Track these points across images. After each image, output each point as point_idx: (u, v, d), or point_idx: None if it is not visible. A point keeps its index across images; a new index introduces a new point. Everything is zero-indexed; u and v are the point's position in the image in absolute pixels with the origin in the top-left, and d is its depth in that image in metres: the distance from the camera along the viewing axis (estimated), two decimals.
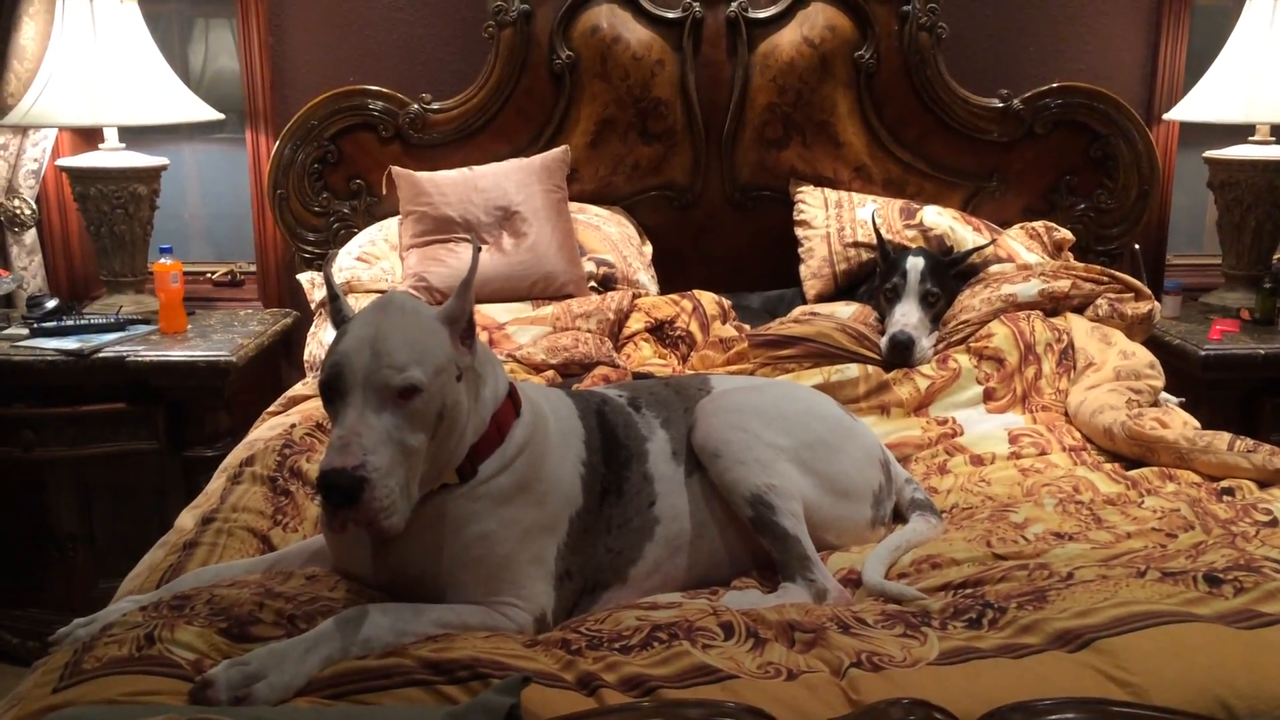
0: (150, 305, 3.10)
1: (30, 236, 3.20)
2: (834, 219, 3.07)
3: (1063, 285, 2.72)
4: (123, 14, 2.98)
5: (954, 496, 2.14)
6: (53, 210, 3.30)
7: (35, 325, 2.91)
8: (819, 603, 1.66)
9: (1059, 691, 1.30)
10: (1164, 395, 2.53)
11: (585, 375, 2.54)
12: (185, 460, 2.85)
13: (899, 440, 2.35)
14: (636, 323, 2.81)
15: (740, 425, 1.81)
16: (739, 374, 2.48)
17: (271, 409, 2.54)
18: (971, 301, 2.72)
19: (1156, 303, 2.76)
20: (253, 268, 3.43)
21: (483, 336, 2.72)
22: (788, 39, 3.10)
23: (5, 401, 2.80)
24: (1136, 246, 3.31)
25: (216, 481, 2.10)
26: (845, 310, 2.80)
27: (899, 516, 2.00)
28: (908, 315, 2.66)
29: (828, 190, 3.16)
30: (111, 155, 3.07)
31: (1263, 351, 2.90)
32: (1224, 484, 2.05)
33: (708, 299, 2.89)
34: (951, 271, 2.81)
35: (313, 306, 3.01)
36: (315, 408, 2.36)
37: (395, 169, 3.04)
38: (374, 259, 2.98)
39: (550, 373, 2.57)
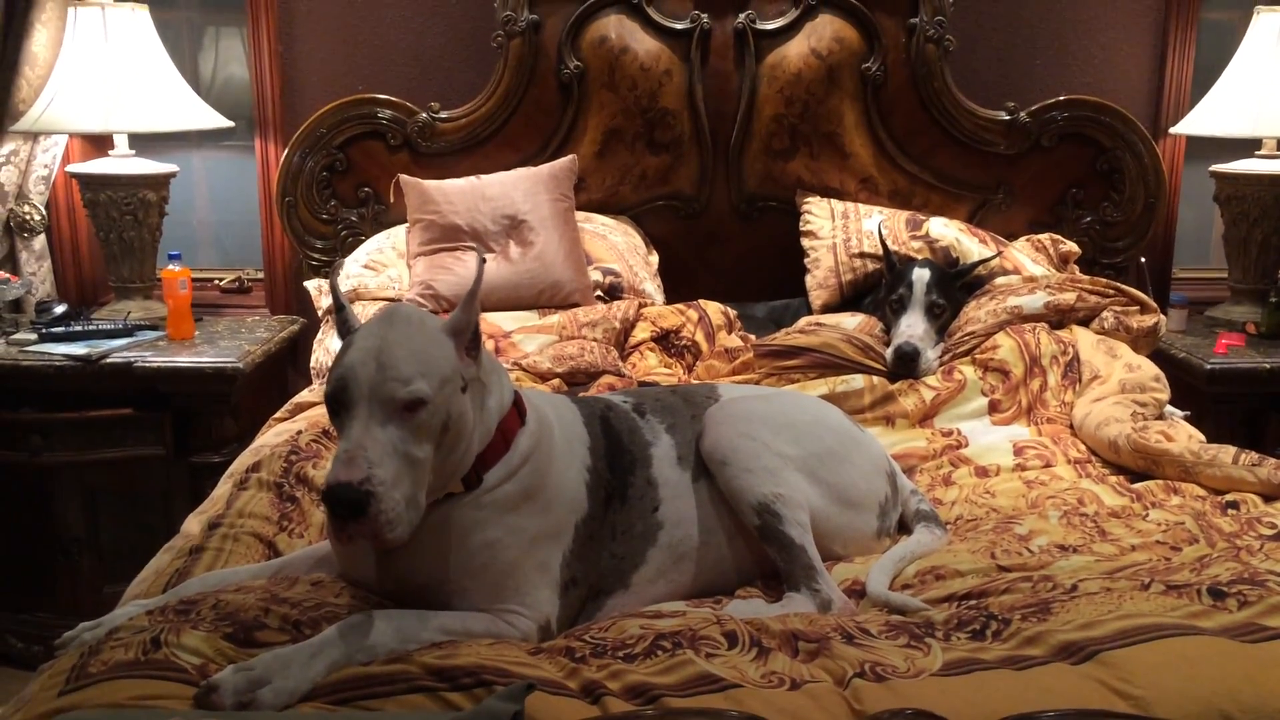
0: (158, 311, 3.11)
1: (40, 242, 3.22)
2: (840, 230, 3.07)
3: (1068, 298, 2.72)
4: (134, 21, 3.00)
5: (959, 508, 2.14)
6: (62, 216, 3.31)
7: (43, 330, 2.92)
8: (823, 613, 1.66)
9: (1062, 703, 1.30)
10: (1169, 409, 2.53)
11: (591, 384, 2.55)
12: (192, 466, 2.86)
13: (904, 451, 2.35)
14: (642, 332, 2.82)
15: (749, 433, 1.82)
16: (745, 384, 2.48)
17: (278, 415, 2.55)
18: (977, 313, 2.73)
19: (1162, 316, 2.76)
20: (260, 274, 3.44)
21: (489, 345, 2.72)
22: (795, 50, 3.11)
23: (13, 406, 2.81)
24: (1142, 260, 3.32)
25: (223, 487, 2.11)
26: (851, 321, 2.80)
27: (904, 527, 2.00)
28: (913, 326, 2.66)
29: (834, 201, 3.17)
30: (121, 162, 3.08)
31: (1268, 365, 2.90)
32: (1229, 498, 2.05)
33: (713, 309, 2.89)
34: (957, 283, 2.82)
35: (320, 314, 3.02)
36: (321, 414, 2.36)
37: (403, 177, 3.05)
38: (381, 267, 2.99)
39: (556, 381, 2.57)
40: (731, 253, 3.26)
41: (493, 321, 2.82)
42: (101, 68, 2.94)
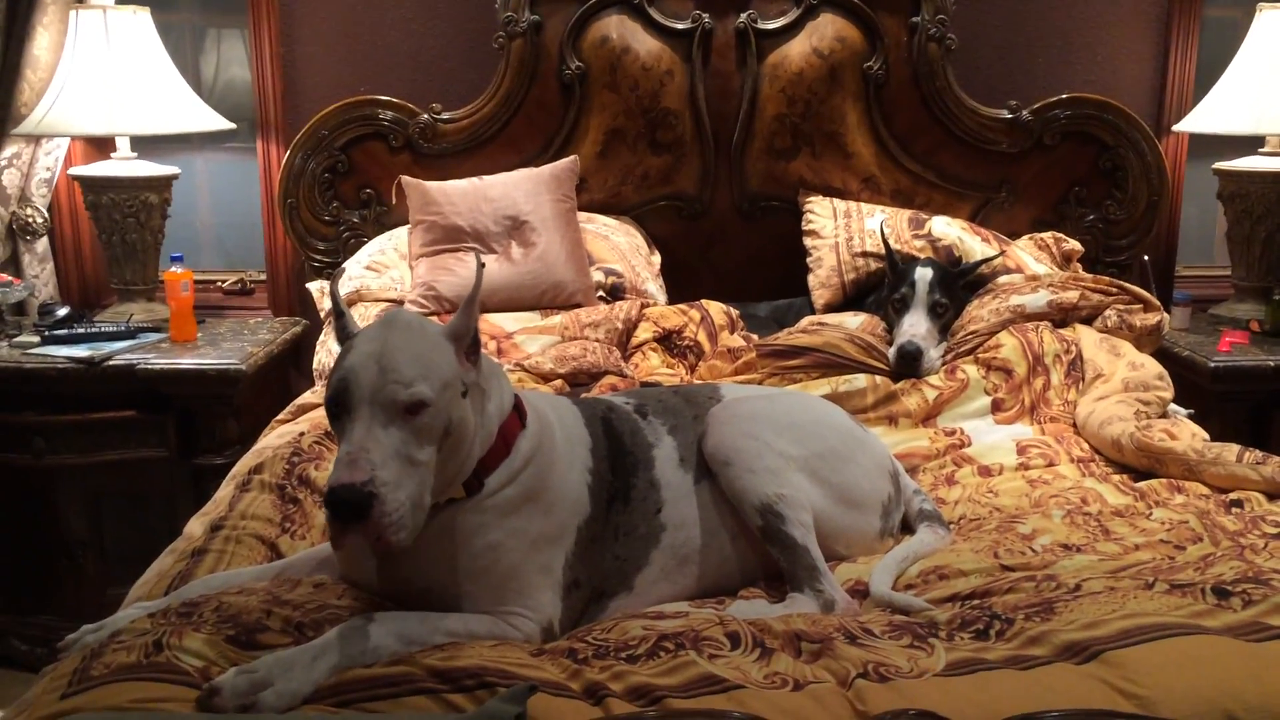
0: (161, 313, 3.11)
1: (42, 245, 3.22)
2: (842, 229, 3.07)
3: (1071, 296, 2.72)
4: (135, 24, 3.00)
5: (962, 507, 2.13)
6: (64, 219, 3.32)
7: (46, 333, 2.92)
8: (826, 613, 1.65)
9: (1066, 703, 1.30)
10: (1173, 407, 2.52)
11: (593, 384, 2.55)
12: (195, 468, 2.86)
13: (907, 451, 2.34)
14: (644, 332, 2.82)
15: (751, 434, 1.82)
16: (747, 384, 2.48)
17: (281, 417, 2.55)
18: (980, 312, 2.72)
19: (1165, 314, 2.76)
20: (263, 276, 3.44)
21: (491, 346, 2.73)
22: (797, 50, 3.10)
23: (16, 409, 2.81)
24: (1146, 258, 3.31)
25: (225, 489, 2.11)
26: (853, 320, 2.80)
27: (907, 527, 2.00)
28: (916, 326, 2.66)
29: (836, 200, 3.17)
30: (123, 164, 3.08)
31: (1272, 363, 2.89)
32: (1233, 496, 2.05)
33: (716, 309, 2.89)
34: (960, 282, 2.81)
35: (322, 315, 3.02)
36: (324, 416, 2.35)
37: (405, 178, 3.05)
38: (383, 268, 2.99)
39: (558, 382, 2.57)
40: (734, 253, 3.26)
41: (495, 322, 2.82)
42: (103, 70, 2.94)
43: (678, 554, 1.77)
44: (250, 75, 3.30)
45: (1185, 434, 2.28)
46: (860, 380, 2.49)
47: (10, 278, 3.08)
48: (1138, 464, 2.24)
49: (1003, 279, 2.87)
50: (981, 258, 2.91)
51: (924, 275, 2.72)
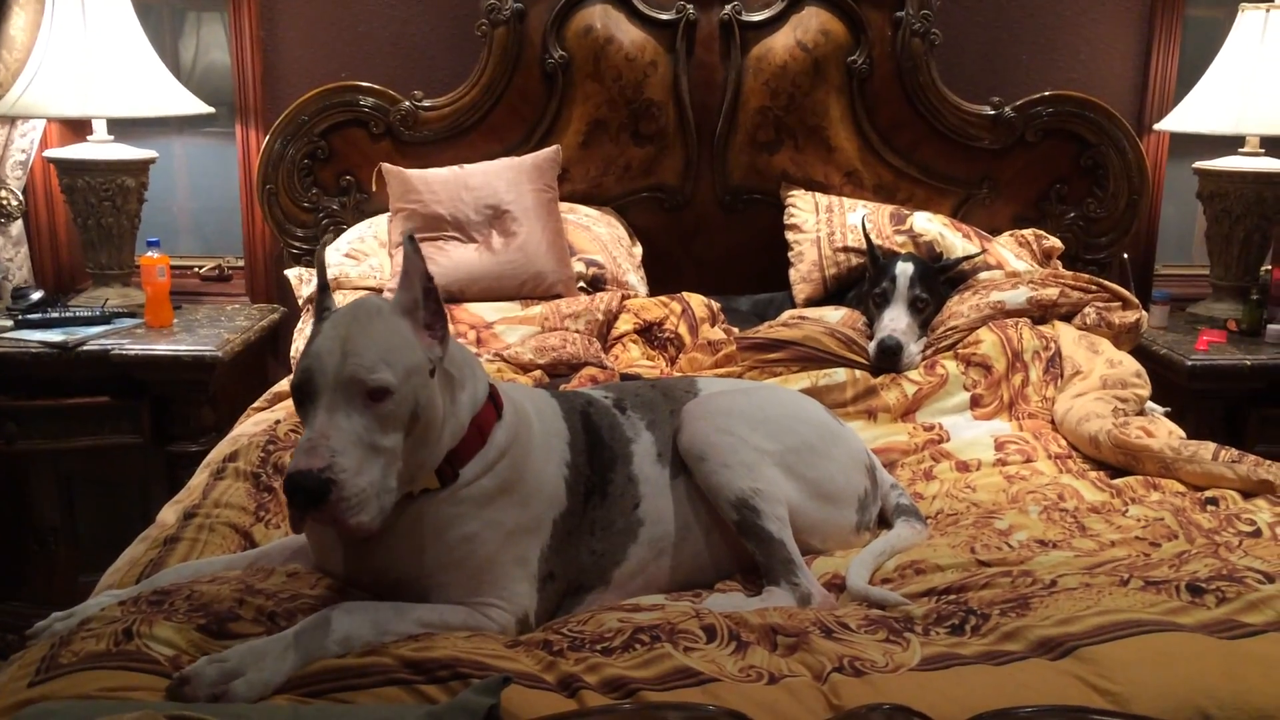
0: (136, 299, 3.08)
1: (17, 228, 3.18)
2: (824, 223, 3.07)
3: (1051, 293, 2.72)
4: (113, 5, 2.96)
5: (939, 502, 2.14)
6: (40, 202, 3.27)
7: (20, 317, 2.89)
8: (803, 607, 1.65)
9: (1040, 699, 1.30)
10: (1150, 405, 2.53)
11: (573, 376, 2.54)
12: (169, 455, 2.84)
13: (885, 445, 2.35)
14: (625, 324, 2.81)
15: (726, 429, 1.81)
16: (727, 376, 2.47)
17: (257, 404, 2.53)
18: (960, 308, 2.73)
19: (1144, 312, 2.77)
20: (241, 263, 3.41)
21: (470, 335, 2.72)
22: (781, 43, 3.10)
23: None
24: (1125, 256, 3.32)
25: (199, 477, 2.09)
26: (834, 315, 2.80)
27: (884, 522, 2.00)
28: (896, 320, 2.66)
29: (818, 194, 3.16)
30: (100, 147, 3.05)
31: (1249, 362, 2.91)
32: (1208, 494, 2.06)
33: (697, 301, 2.89)
34: (941, 278, 2.82)
35: (300, 302, 3.00)
36: None
37: (385, 166, 3.02)
38: (363, 256, 2.96)
39: (538, 373, 2.56)
40: (715, 245, 3.25)
41: (474, 312, 2.80)
42: (80, 51, 2.90)
43: (655, 548, 1.76)
44: (230, 59, 3.27)
45: (1162, 432, 2.29)
46: (840, 375, 2.49)
47: None
48: (1114, 461, 2.25)
49: (983, 275, 2.88)
50: (963, 255, 2.91)
51: (905, 270, 2.72)
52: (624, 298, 2.90)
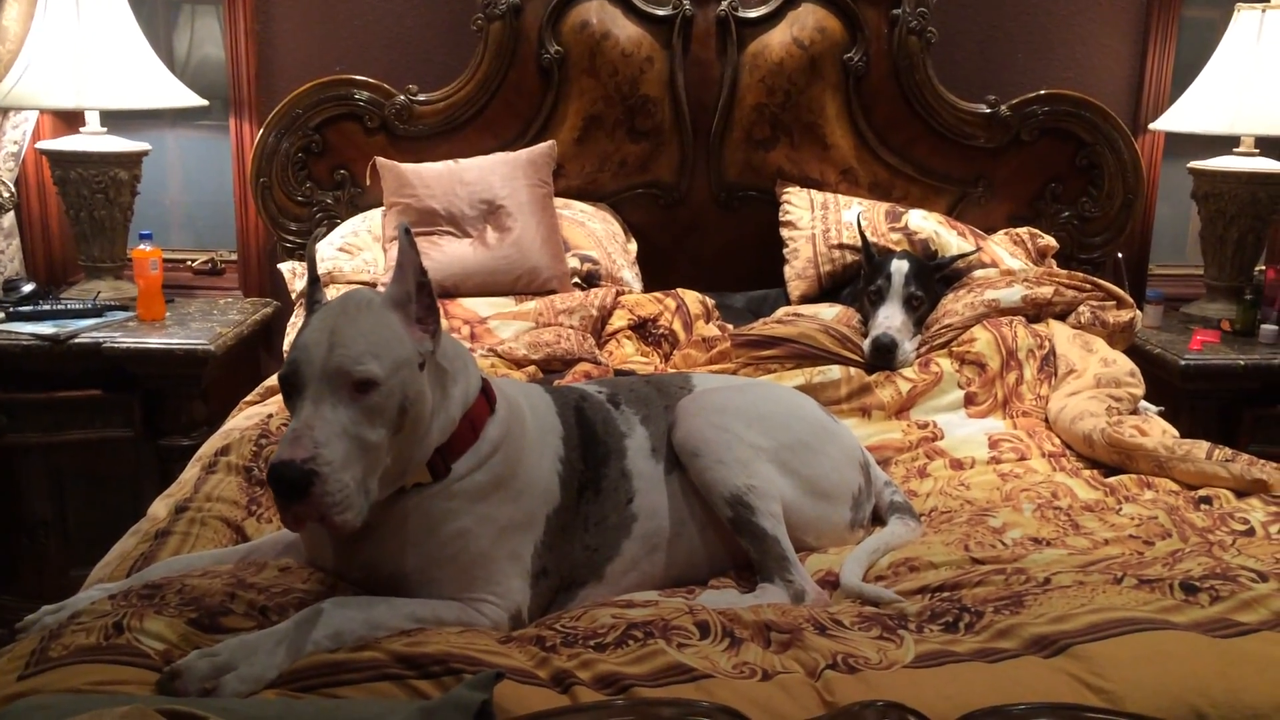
0: (129, 292, 3.06)
1: (8, 220, 3.16)
2: (819, 220, 3.06)
3: (1045, 291, 2.72)
4: None
5: (933, 500, 2.14)
6: (32, 194, 3.26)
7: (11, 309, 2.87)
8: (796, 604, 1.65)
9: (1034, 696, 1.29)
10: (1143, 404, 2.54)
11: (567, 371, 2.53)
12: (161, 448, 2.83)
13: (879, 443, 2.34)
14: (619, 320, 2.80)
15: (721, 425, 1.80)
16: (721, 373, 2.47)
17: (249, 398, 2.52)
18: (954, 306, 2.72)
19: (1138, 311, 2.77)
20: (234, 256, 3.40)
21: (464, 330, 2.71)
22: (777, 40, 3.09)
23: None
24: (1120, 255, 3.33)
25: (191, 470, 2.08)
26: (829, 312, 2.79)
27: (878, 519, 2.00)
28: (891, 318, 2.66)
29: (814, 192, 3.16)
30: (93, 139, 3.04)
31: (1242, 362, 2.92)
32: (1202, 492, 2.06)
33: (691, 298, 2.88)
34: (936, 276, 2.81)
35: (293, 296, 2.99)
36: None
37: (380, 160, 3.02)
38: (356, 250, 2.96)
39: (531, 368, 2.56)
40: (711, 242, 3.25)
41: (469, 307, 2.80)
42: (73, 43, 2.89)
43: (648, 544, 1.76)
44: (224, 52, 3.25)
45: (1156, 431, 2.29)
46: (834, 372, 2.49)
47: None
48: (1108, 459, 2.25)
49: (978, 273, 2.88)
50: (958, 253, 2.91)
51: (900, 268, 2.72)
52: (618, 294, 2.89)
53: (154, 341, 2.78)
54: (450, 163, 3.02)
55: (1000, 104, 3.20)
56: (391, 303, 1.51)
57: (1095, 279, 2.84)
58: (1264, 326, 3.07)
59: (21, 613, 1.60)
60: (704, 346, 2.68)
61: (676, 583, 1.78)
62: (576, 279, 2.95)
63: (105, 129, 3.07)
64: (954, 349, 2.60)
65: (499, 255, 2.89)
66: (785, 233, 3.10)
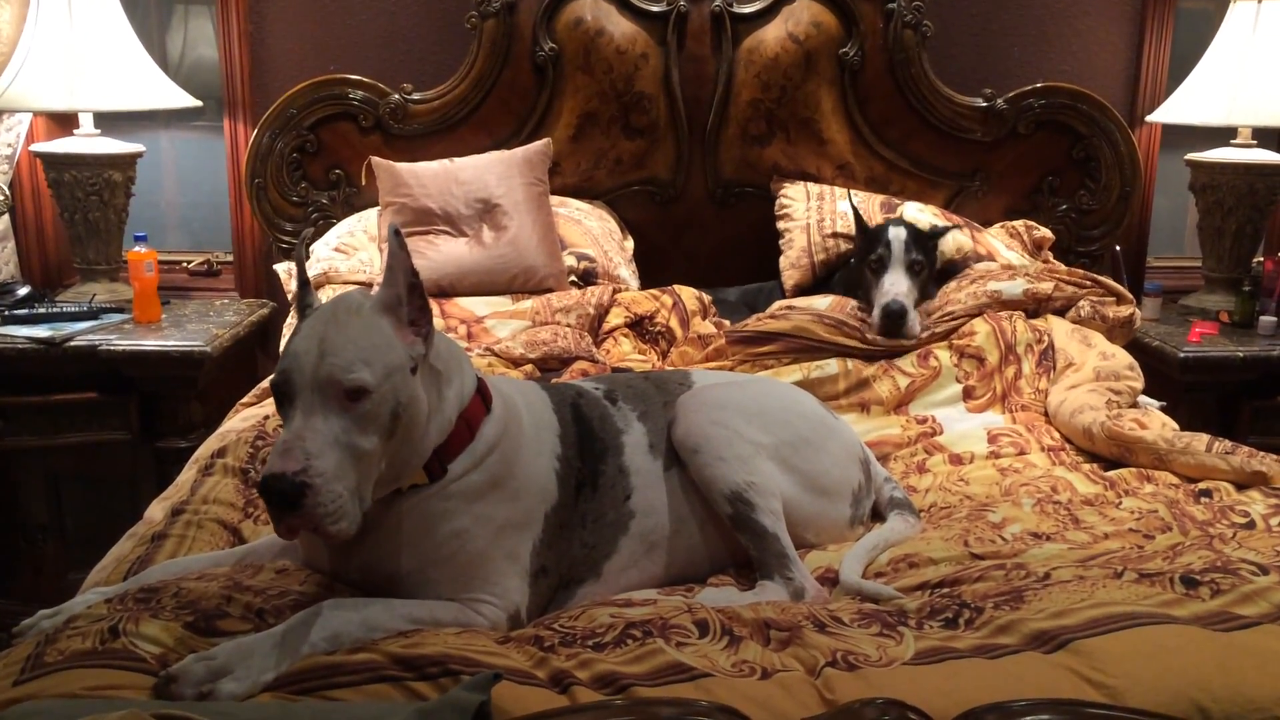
0: (124, 294, 3.06)
1: (3, 223, 3.15)
2: (815, 210, 3.06)
3: (1046, 287, 2.72)
4: None
5: (932, 496, 2.13)
6: (26, 196, 3.25)
7: (6, 312, 2.86)
8: (796, 601, 1.64)
9: (1035, 692, 1.29)
10: (1143, 399, 2.53)
11: (564, 370, 2.53)
12: (158, 451, 2.81)
13: (878, 439, 2.34)
14: (616, 318, 2.80)
15: (721, 421, 1.80)
16: (718, 370, 2.46)
17: (245, 400, 2.51)
18: (957, 295, 2.72)
19: (1138, 308, 2.77)
20: (230, 257, 3.39)
21: (461, 330, 2.70)
22: (772, 35, 3.08)
23: None
24: (1118, 248, 3.32)
25: (187, 473, 2.08)
26: (821, 302, 2.78)
27: (877, 515, 1.99)
28: (897, 284, 2.65)
29: (810, 183, 3.15)
30: (86, 141, 3.03)
31: (1241, 354, 2.91)
32: (1202, 486, 2.05)
33: (688, 294, 2.87)
34: (931, 243, 2.81)
35: (289, 297, 2.97)
36: None
37: (375, 159, 3.01)
38: (352, 250, 2.95)
39: (529, 367, 2.55)
40: (707, 239, 3.24)
41: (465, 306, 2.79)
42: (66, 45, 2.88)
43: (646, 541, 1.75)
44: (217, 52, 3.24)
45: (1155, 424, 2.28)
46: (832, 367, 2.48)
47: None
48: (1108, 453, 2.24)
49: (979, 266, 2.88)
50: (949, 224, 2.91)
51: (899, 234, 2.72)
52: (615, 291, 2.88)
53: (150, 344, 2.77)
54: (445, 161, 3.01)
55: (996, 97, 3.20)
56: (382, 307, 1.50)
57: (1095, 275, 2.84)
58: (1262, 318, 3.07)
59: (20, 617, 1.59)
60: (699, 344, 2.67)
61: (676, 580, 1.77)
62: (573, 277, 2.94)
63: (99, 131, 3.06)
64: (954, 342, 2.59)
65: (495, 254, 2.88)
66: (781, 224, 3.09)
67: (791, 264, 3.03)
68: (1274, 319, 3.05)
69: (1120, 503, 2.01)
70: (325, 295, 2.74)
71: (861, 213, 2.89)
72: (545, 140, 3.08)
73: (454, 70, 3.12)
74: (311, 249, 2.97)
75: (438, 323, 2.63)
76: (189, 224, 3.48)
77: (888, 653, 1.39)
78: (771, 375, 2.45)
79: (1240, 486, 2.03)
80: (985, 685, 1.31)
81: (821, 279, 3.00)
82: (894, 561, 1.78)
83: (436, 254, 2.86)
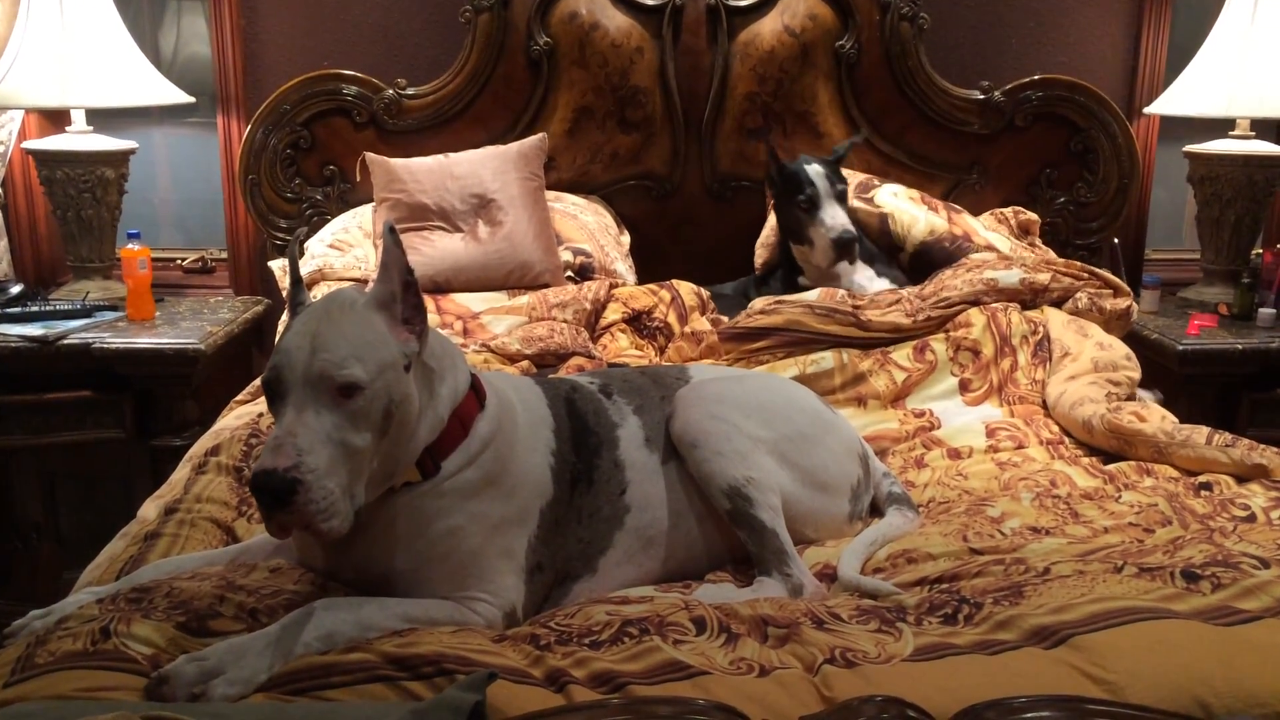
0: (118, 292, 3.04)
1: None
2: None
3: (1043, 278, 2.71)
4: None
5: (931, 490, 2.12)
6: (19, 194, 3.23)
7: None
8: (794, 597, 1.63)
9: (1035, 689, 1.28)
10: (1141, 392, 2.52)
11: (560, 366, 2.51)
12: (153, 449, 2.80)
13: (876, 433, 2.33)
14: (614, 313, 2.78)
15: (719, 416, 1.79)
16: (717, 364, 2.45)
17: (240, 397, 2.50)
18: (953, 281, 2.71)
19: (1135, 302, 2.76)
20: (224, 254, 3.37)
21: (457, 326, 2.69)
22: (768, 28, 3.07)
23: None
24: (1116, 241, 3.31)
25: (181, 471, 2.06)
26: (811, 295, 2.78)
27: (876, 510, 1.98)
28: (836, 216, 2.77)
29: None
30: (79, 138, 3.01)
31: (1240, 346, 2.90)
32: (1202, 479, 2.04)
33: (686, 289, 2.85)
34: (840, 165, 2.91)
35: (284, 294, 2.95)
36: None
37: (369, 155, 2.99)
38: (347, 247, 2.93)
39: (525, 363, 2.53)
40: (704, 233, 3.23)
41: (461, 302, 2.77)
42: (58, 41, 2.86)
43: (642, 536, 1.74)
44: (210, 48, 3.22)
45: (1155, 417, 2.27)
46: (828, 361, 2.47)
47: None
48: (1107, 445, 2.23)
49: (975, 256, 2.87)
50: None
51: (818, 171, 2.83)
52: (612, 286, 2.87)
53: (144, 341, 2.75)
54: (440, 157, 3.00)
55: (994, 90, 3.18)
56: (376, 303, 1.48)
57: (1091, 268, 2.82)
58: (1261, 310, 3.06)
59: (15, 617, 1.58)
60: (694, 341, 2.66)
61: (673, 577, 1.76)
62: (569, 272, 2.92)
63: (91, 128, 3.04)
64: (951, 333, 2.57)
65: (491, 250, 2.86)
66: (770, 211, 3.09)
67: (762, 243, 3.03)
68: (1273, 311, 3.04)
69: (1120, 496, 2.00)
70: (320, 292, 2.74)
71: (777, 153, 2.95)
72: (540, 135, 3.06)
73: (448, 65, 3.11)
74: (306, 245, 2.95)
75: (433, 319, 2.64)
76: (183, 221, 3.47)
77: (886, 649, 1.38)
78: (767, 370, 2.43)
79: (1241, 479, 2.01)
80: (985, 682, 1.30)
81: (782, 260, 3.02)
82: (893, 557, 1.77)
83: (432, 250, 2.85)
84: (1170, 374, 2.91)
